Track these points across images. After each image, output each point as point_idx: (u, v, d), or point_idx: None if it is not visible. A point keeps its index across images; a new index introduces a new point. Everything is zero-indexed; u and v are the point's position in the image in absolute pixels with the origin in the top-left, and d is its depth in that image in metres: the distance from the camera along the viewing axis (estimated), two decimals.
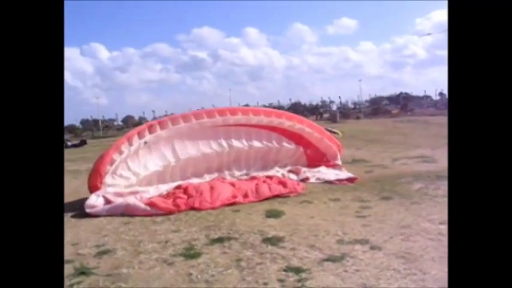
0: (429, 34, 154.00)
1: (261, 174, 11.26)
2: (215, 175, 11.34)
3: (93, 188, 9.22)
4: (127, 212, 8.16)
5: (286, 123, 12.34)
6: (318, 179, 11.10)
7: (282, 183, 9.99)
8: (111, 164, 9.44)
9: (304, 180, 11.05)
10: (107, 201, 8.60)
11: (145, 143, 10.09)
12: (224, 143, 11.49)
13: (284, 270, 4.92)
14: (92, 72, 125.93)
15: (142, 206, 8.21)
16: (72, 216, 8.39)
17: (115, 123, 78.56)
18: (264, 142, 12.20)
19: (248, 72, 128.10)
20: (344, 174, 11.32)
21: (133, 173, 9.78)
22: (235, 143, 11.67)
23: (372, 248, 5.58)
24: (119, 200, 8.58)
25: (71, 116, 76.29)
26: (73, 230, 7.32)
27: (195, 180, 10.62)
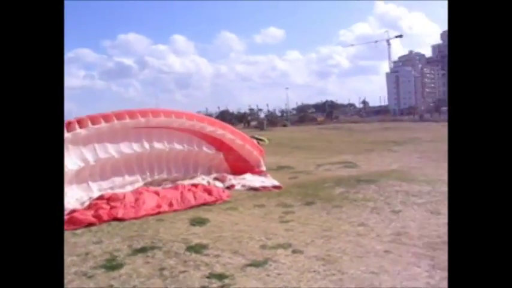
0: (352, 45, 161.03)
1: (186, 182, 11.16)
2: (136, 176, 11.10)
3: None
4: None
5: (208, 128, 12.32)
6: (243, 186, 11.18)
7: (208, 191, 9.97)
8: None
9: (230, 187, 11.09)
10: None
11: None
12: (146, 145, 11.26)
13: (207, 277, 4.93)
14: None
15: None
16: None
17: None
18: (185, 145, 12.11)
19: (176, 80, 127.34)
20: (269, 181, 11.47)
21: None
22: (157, 144, 11.47)
23: (294, 251, 5.72)
24: None
25: None
26: None
27: (115, 180, 10.35)
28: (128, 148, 10.93)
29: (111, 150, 10.57)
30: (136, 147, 11.10)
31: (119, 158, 10.73)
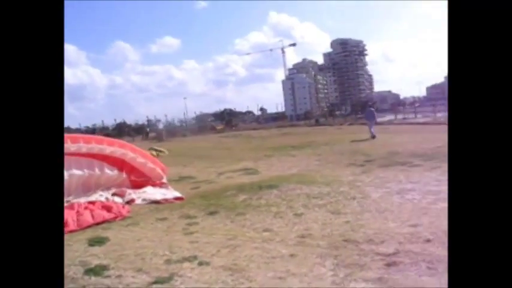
0: (248, 54, 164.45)
1: (83, 200, 10.52)
2: None
3: None
4: None
5: (107, 150, 11.77)
6: (144, 199, 10.78)
7: (106, 207, 9.49)
8: None
9: (130, 202, 10.64)
10: None
11: None
12: None
13: None
14: None
15: None
16: None
17: None
18: (85, 170, 11.41)
19: (67, 92, 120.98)
20: (170, 193, 11.18)
21: None
22: None
23: (200, 263, 5.57)
24: None
25: None
26: None
27: None
28: None
29: None
30: None
31: None
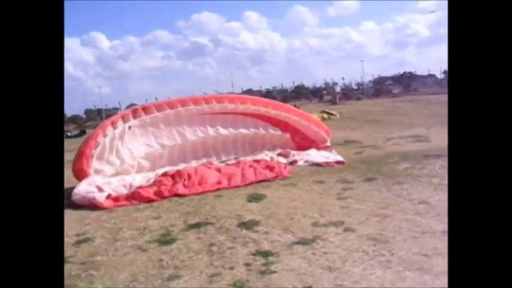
0: (432, 12, 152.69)
1: (250, 158, 11.23)
2: (203, 161, 11.32)
3: (79, 171, 9.23)
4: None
5: (272, 112, 12.42)
6: (306, 161, 11.04)
7: (269, 167, 9.95)
8: (96, 147, 9.47)
9: (292, 163, 11.02)
10: (99, 190, 8.58)
11: (130, 127, 10.10)
12: (210, 131, 11.50)
13: (253, 254, 4.94)
14: (93, 62, 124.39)
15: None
16: None
17: (118, 112, 78.40)
18: (251, 129, 12.26)
19: (250, 57, 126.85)
20: (333, 157, 11.20)
21: (119, 159, 9.82)
22: (222, 130, 11.71)
23: (346, 230, 5.56)
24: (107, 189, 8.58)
25: (75, 106, 77.50)
26: None
27: (182, 166, 10.57)
28: (193, 135, 11.27)
29: (176, 137, 10.93)
30: (201, 133, 11.37)
31: (184, 145, 11.13)
